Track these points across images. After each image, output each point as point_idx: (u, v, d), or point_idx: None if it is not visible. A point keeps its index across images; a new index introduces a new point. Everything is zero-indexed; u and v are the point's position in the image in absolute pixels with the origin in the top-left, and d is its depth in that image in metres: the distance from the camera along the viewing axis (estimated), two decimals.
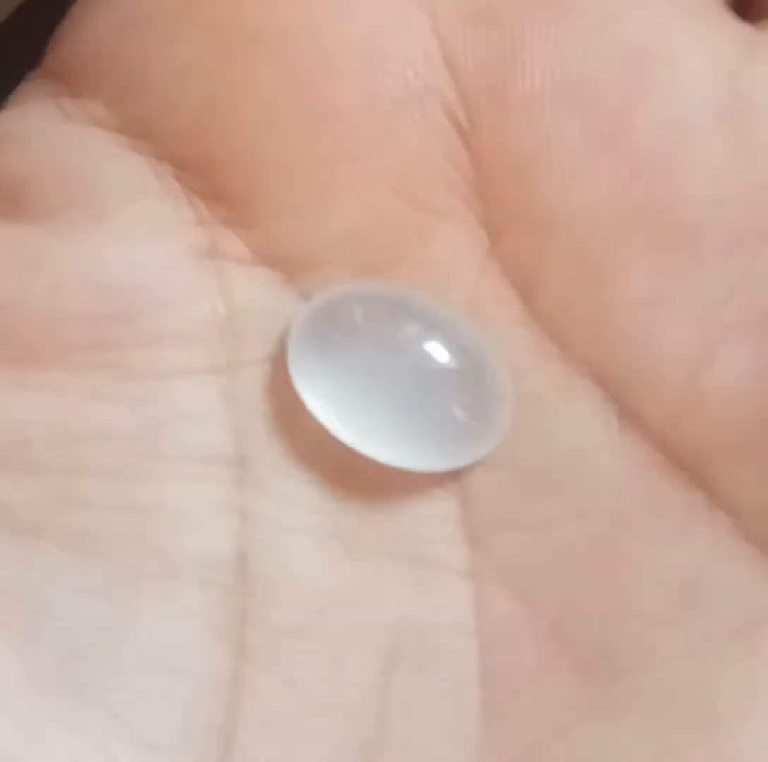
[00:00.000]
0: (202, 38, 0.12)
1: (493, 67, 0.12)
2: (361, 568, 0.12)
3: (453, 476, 0.12)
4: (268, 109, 0.12)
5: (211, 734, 0.11)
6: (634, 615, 0.11)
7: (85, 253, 0.12)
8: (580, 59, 0.12)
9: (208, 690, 0.11)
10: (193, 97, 0.12)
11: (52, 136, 0.12)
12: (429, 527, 0.12)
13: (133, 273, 0.12)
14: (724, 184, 0.12)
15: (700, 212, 0.12)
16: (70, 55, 0.13)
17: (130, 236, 0.12)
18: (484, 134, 0.12)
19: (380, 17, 0.12)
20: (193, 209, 0.12)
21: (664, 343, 0.12)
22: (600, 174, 0.12)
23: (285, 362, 0.12)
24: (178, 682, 0.11)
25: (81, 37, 0.13)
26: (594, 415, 0.12)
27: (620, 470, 0.12)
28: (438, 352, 0.12)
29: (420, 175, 0.12)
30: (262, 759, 0.11)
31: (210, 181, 0.12)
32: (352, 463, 0.12)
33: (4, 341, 0.11)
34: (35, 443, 0.11)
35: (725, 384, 0.12)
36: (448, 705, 0.11)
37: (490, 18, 0.12)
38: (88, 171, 0.12)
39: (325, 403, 0.12)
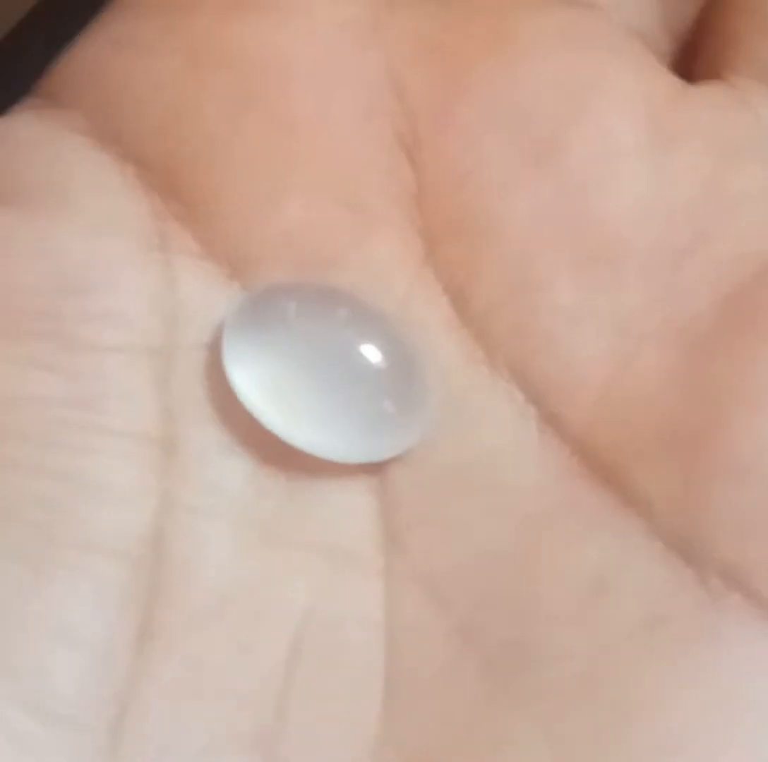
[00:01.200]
0: (175, 56, 0.13)
1: (438, 93, 0.13)
2: (275, 557, 0.11)
3: (374, 471, 0.12)
4: (227, 116, 0.12)
5: (107, 707, 0.10)
6: (543, 613, 0.11)
7: (42, 231, 0.12)
8: (518, 88, 0.13)
9: (107, 662, 0.11)
10: (160, 106, 0.13)
11: (26, 136, 0.13)
12: (347, 521, 0.12)
13: (85, 254, 0.12)
14: (645, 205, 0.12)
15: (621, 230, 0.12)
16: (58, 75, 0.13)
17: (88, 224, 0.12)
18: (427, 152, 0.12)
19: (339, 41, 0.13)
20: (150, 205, 0.12)
21: (584, 350, 0.12)
22: (530, 190, 0.12)
23: (220, 350, 0.12)
24: (80, 653, 0.11)
25: (70, 58, 0.13)
26: (514, 418, 0.12)
27: (537, 472, 0.12)
28: (367, 346, 0.12)
29: (363, 184, 0.12)
30: (154, 736, 0.11)
31: (170, 180, 0.12)
32: (278, 452, 0.12)
33: None
34: None
35: (641, 388, 0.12)
36: (350, 699, 0.11)
37: (439, 51, 0.13)
38: (56, 166, 0.13)
39: (255, 391, 0.12)
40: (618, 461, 0.12)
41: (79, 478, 0.11)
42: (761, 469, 0.11)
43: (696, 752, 0.11)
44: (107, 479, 0.11)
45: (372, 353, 0.12)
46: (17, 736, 0.10)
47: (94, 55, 0.13)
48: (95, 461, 0.11)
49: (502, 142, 0.12)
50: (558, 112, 0.12)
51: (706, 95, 0.13)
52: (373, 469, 0.12)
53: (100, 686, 0.11)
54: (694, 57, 0.13)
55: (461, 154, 0.12)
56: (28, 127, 0.13)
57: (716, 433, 0.11)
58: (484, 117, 0.12)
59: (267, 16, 0.13)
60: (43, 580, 0.11)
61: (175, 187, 0.12)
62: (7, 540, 0.11)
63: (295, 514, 0.12)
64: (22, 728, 0.10)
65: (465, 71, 0.13)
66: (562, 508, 0.11)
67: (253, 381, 0.12)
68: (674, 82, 0.13)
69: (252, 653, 0.11)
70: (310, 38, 0.13)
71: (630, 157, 0.12)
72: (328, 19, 0.13)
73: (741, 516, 0.11)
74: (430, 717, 0.11)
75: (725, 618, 0.11)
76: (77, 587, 0.11)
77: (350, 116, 0.13)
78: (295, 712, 0.11)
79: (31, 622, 0.11)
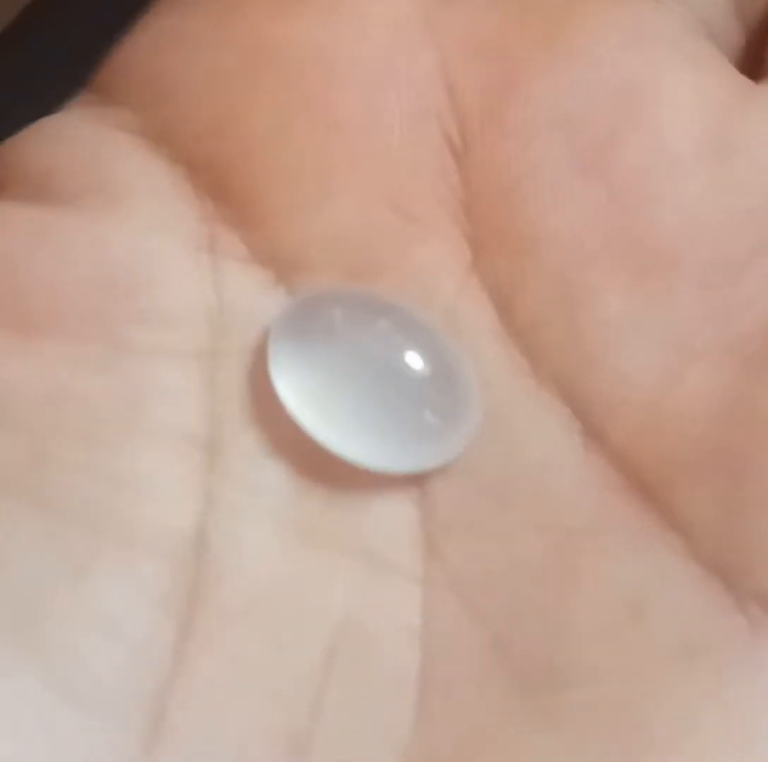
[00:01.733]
0: (223, 54, 0.13)
1: (490, 95, 0.12)
2: (314, 560, 0.11)
3: (416, 480, 0.12)
4: (277, 118, 0.12)
5: (145, 701, 0.11)
6: (576, 631, 0.11)
7: (93, 231, 0.12)
8: (572, 93, 0.12)
9: (147, 658, 0.11)
10: (210, 106, 0.13)
11: (79, 135, 0.13)
12: (387, 528, 0.12)
13: (134, 255, 0.12)
14: (701, 216, 0.12)
15: (675, 242, 0.12)
16: (109, 71, 0.13)
17: (138, 224, 0.12)
18: (476, 156, 0.12)
19: (390, 41, 0.13)
20: (199, 207, 0.12)
21: (631, 366, 0.12)
22: (581, 199, 0.12)
23: (266, 355, 0.12)
24: (120, 646, 0.11)
25: (120, 56, 0.13)
26: (559, 432, 0.12)
27: (579, 488, 0.12)
28: (412, 355, 0.12)
29: (412, 188, 0.12)
30: (191, 733, 0.11)
31: (219, 181, 0.12)
32: (320, 458, 0.12)
33: (10, 305, 0.12)
34: (18, 404, 0.11)
35: (686, 409, 0.12)
36: (383, 704, 0.11)
37: (492, 51, 0.13)
38: (108, 165, 0.13)
39: (299, 397, 0.12)
40: (661, 481, 0.11)
41: (124, 477, 0.11)
42: None
43: None
44: (151, 479, 0.11)
45: (416, 363, 0.12)
46: (50, 719, 0.10)
47: (145, 50, 0.13)
48: (140, 461, 0.12)
49: (554, 148, 0.12)
50: (612, 117, 0.12)
51: None
52: (414, 479, 0.12)
53: (138, 680, 0.11)
54: (762, 53, 0.13)
55: (511, 158, 0.12)
56: (81, 125, 0.13)
57: (758, 461, 0.11)
58: (535, 121, 0.12)
59: (319, 13, 0.13)
60: (84, 574, 0.11)
61: (223, 189, 0.13)
62: (52, 537, 0.11)
63: (335, 519, 0.12)
64: (55, 713, 0.10)
65: (518, 72, 0.12)
66: (603, 525, 0.11)
67: (297, 387, 0.12)
68: (738, 82, 0.13)
69: (289, 654, 0.11)
70: (362, 37, 0.13)
71: (685, 166, 0.12)
72: (381, 17, 0.13)
73: None
74: (461, 727, 0.11)
75: (763, 646, 0.11)
76: (119, 583, 0.11)
77: (398, 117, 0.12)
78: (328, 714, 0.11)
79: (70, 611, 0.11)
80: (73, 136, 0.13)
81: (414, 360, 0.12)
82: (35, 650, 0.11)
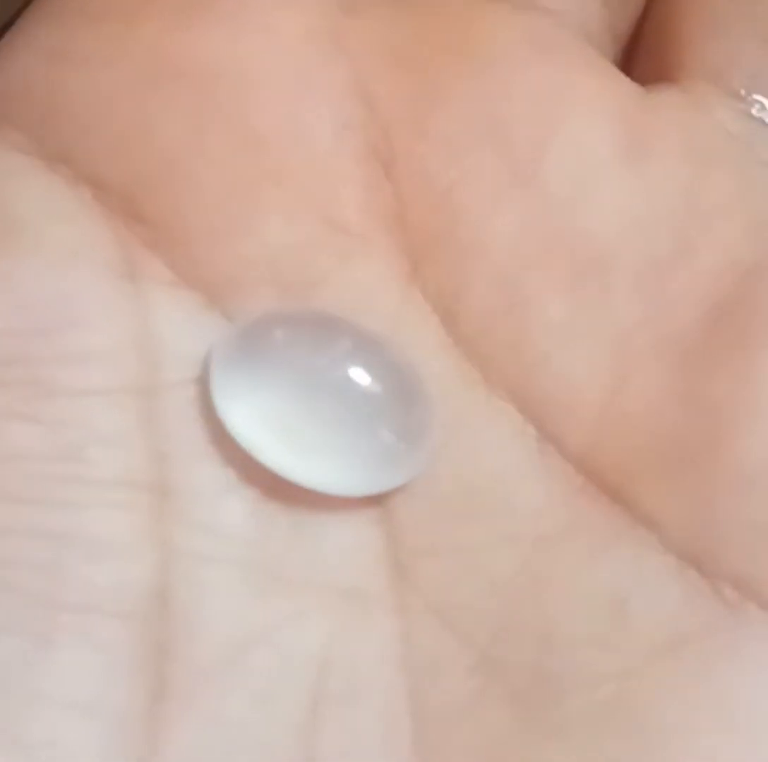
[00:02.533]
0: (122, 69, 0.12)
1: (410, 103, 0.12)
2: (286, 602, 0.11)
3: (378, 502, 0.12)
4: (191, 134, 0.12)
5: None
6: (563, 638, 0.11)
7: (4, 271, 0.11)
8: (493, 101, 0.12)
9: (124, 729, 0.10)
10: (115, 121, 0.12)
11: None
12: (354, 557, 0.11)
13: (50, 291, 0.11)
14: (628, 217, 0.12)
15: (606, 245, 0.12)
16: None
17: (49, 256, 0.12)
18: (404, 165, 0.12)
19: (302, 53, 0.12)
20: (113, 230, 0.12)
21: (578, 368, 0.12)
22: (514, 206, 0.12)
23: (207, 385, 0.11)
24: (95, 722, 0.10)
25: (2, 69, 0.12)
26: (514, 439, 0.12)
27: (542, 494, 0.12)
28: (363, 374, 0.11)
29: (342, 201, 0.12)
30: None
31: (131, 203, 0.12)
32: (277, 489, 0.11)
33: None
34: None
35: (639, 405, 0.12)
36: (380, 740, 0.11)
37: (406, 61, 0.12)
38: (5, 194, 0.12)
39: (249, 428, 0.11)
40: (623, 479, 0.12)
41: (73, 536, 0.11)
42: (763, 482, 0.12)
43: None
44: (102, 534, 0.11)
45: (368, 381, 0.12)
46: None
47: (30, 66, 0.12)
48: (87, 516, 0.11)
49: (483, 155, 0.12)
50: (534, 126, 0.12)
51: (668, 101, 0.13)
52: (376, 500, 0.12)
53: (120, 755, 0.10)
54: (635, 58, 0.14)
55: (441, 169, 0.12)
56: None
57: (717, 448, 0.12)
58: (462, 130, 0.12)
59: (221, 24, 0.12)
60: (45, 650, 0.10)
61: (137, 209, 0.12)
62: (6, 611, 0.10)
63: (301, 555, 0.11)
64: None
65: (437, 82, 0.12)
66: (571, 529, 0.12)
67: (246, 416, 0.11)
68: (635, 88, 0.13)
69: (273, 703, 0.11)
70: (271, 48, 0.12)
71: (608, 168, 0.12)
72: (290, 29, 0.12)
73: (749, 527, 0.11)
74: (463, 753, 0.11)
75: (742, 630, 0.11)
76: (83, 654, 0.10)
77: (321, 130, 0.12)
78: (325, 758, 0.11)
79: (39, 696, 0.10)
80: None
81: (365, 377, 0.12)
82: (9, 739, 0.10)
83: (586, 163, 0.12)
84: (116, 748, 0.10)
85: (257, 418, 0.11)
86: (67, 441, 0.11)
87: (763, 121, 0.13)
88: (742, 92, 0.13)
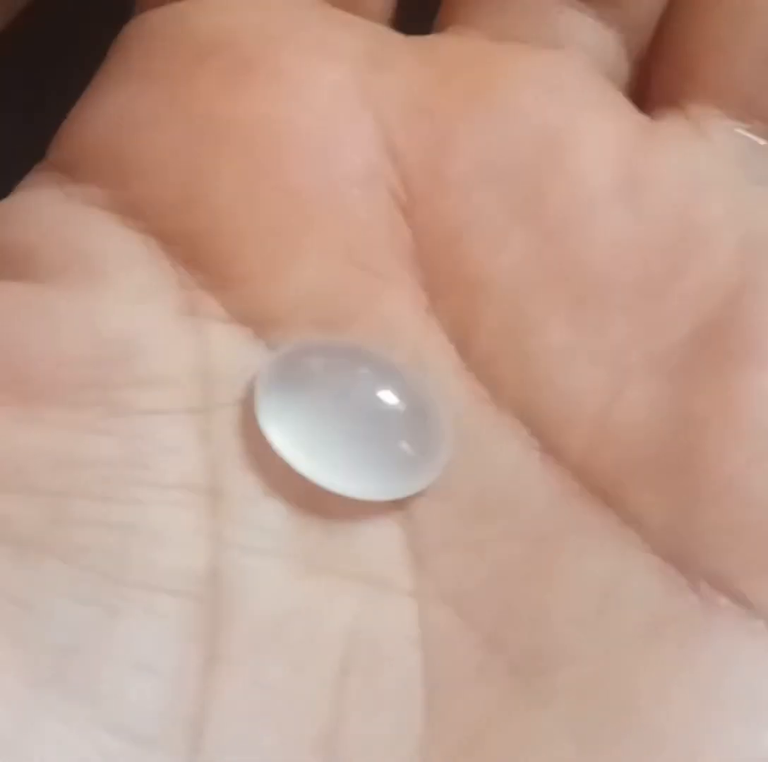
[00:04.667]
0: (183, 132, 0.14)
1: (428, 154, 0.14)
2: (319, 586, 0.13)
3: (399, 505, 0.14)
4: (240, 190, 0.14)
5: (184, 726, 0.12)
6: (557, 621, 0.13)
7: (84, 307, 0.14)
8: (500, 148, 0.14)
9: (180, 687, 0.12)
10: (175, 181, 0.14)
11: (55, 213, 0.14)
12: (378, 550, 0.13)
13: (125, 326, 0.14)
14: (622, 246, 0.14)
15: (603, 272, 0.14)
16: (70, 149, 0.15)
17: (123, 296, 0.14)
18: (421, 210, 0.14)
19: (333, 113, 0.14)
20: (176, 275, 0.14)
21: (577, 386, 0.14)
22: (517, 241, 0.14)
23: (253, 405, 0.14)
24: (155, 679, 0.12)
25: (81, 134, 0.15)
26: (520, 450, 0.14)
27: (544, 498, 0.13)
28: (387, 394, 0.14)
29: (368, 244, 0.14)
30: (230, 749, 0.12)
31: (191, 251, 0.14)
32: (313, 493, 0.14)
33: (10, 380, 0.13)
34: (36, 469, 0.13)
35: (630, 418, 0.14)
36: (396, 705, 0.13)
37: (425, 115, 0.14)
38: (87, 242, 0.14)
39: (288, 441, 0.14)
40: (614, 485, 0.14)
41: (139, 528, 0.13)
42: (736, 491, 0.13)
43: (695, 739, 0.13)
44: (163, 527, 0.13)
45: (391, 401, 0.14)
46: (107, 754, 0.12)
47: (104, 127, 0.15)
48: (151, 512, 0.13)
49: (490, 198, 0.14)
50: (537, 165, 0.14)
51: (669, 132, 0.14)
52: (398, 503, 0.14)
53: (175, 708, 0.12)
54: (648, 82, 0.15)
55: (453, 211, 0.14)
56: (53, 203, 0.15)
57: (698, 459, 0.13)
58: (471, 174, 0.14)
59: (263, 86, 0.15)
60: (116, 619, 0.13)
61: (196, 257, 0.14)
62: (83, 586, 0.13)
63: (333, 547, 0.14)
64: (111, 747, 0.12)
65: (450, 130, 0.14)
66: (568, 528, 0.14)
67: (286, 432, 0.14)
68: (640, 121, 0.15)
69: (307, 671, 0.13)
70: (304, 107, 0.14)
71: (605, 201, 0.14)
72: (321, 86, 0.14)
73: (724, 531, 0.13)
74: (466, 717, 0.13)
75: (715, 619, 0.13)
76: (147, 623, 0.13)
77: (350, 180, 0.14)
78: (349, 719, 0.13)
79: (109, 655, 0.12)
80: (48, 215, 0.15)
81: (389, 399, 0.14)
82: (83, 690, 0.12)
83: (585, 197, 0.14)
84: (172, 703, 0.13)
85: (295, 433, 0.14)
86: (135, 451, 0.13)
87: (759, 142, 0.14)
88: (741, 113, 0.14)
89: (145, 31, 0.15)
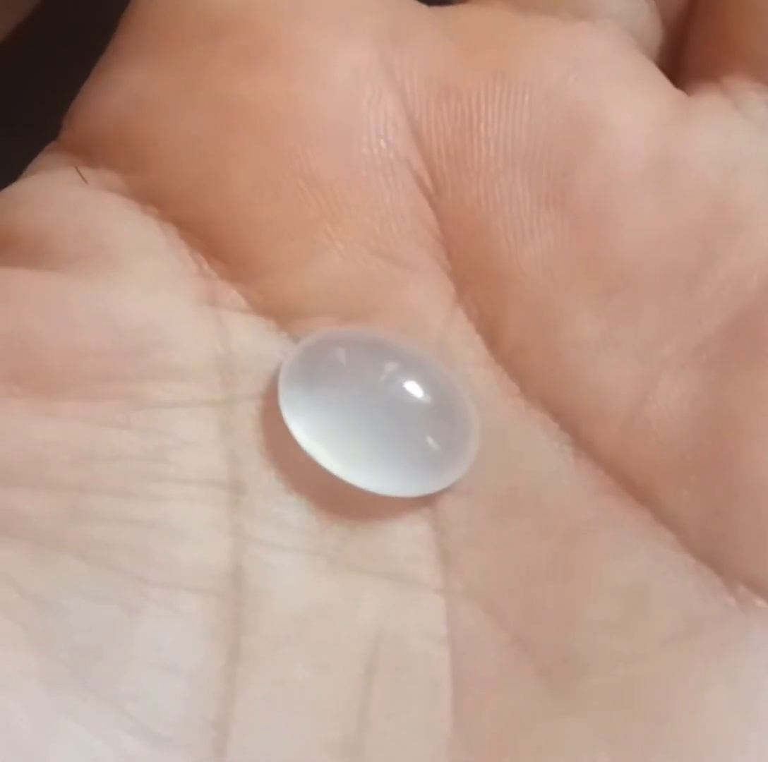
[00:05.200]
0: (200, 115, 0.14)
1: (453, 137, 0.14)
2: (344, 583, 0.13)
3: (426, 501, 0.14)
4: (259, 177, 0.14)
5: (208, 728, 0.12)
6: (588, 622, 0.13)
7: (100, 297, 0.13)
8: (527, 129, 0.14)
9: (204, 687, 0.12)
10: (192, 167, 0.14)
11: (70, 198, 0.14)
12: (404, 547, 0.13)
13: (143, 316, 0.13)
14: (654, 233, 0.14)
15: (633, 261, 0.13)
16: (84, 131, 0.14)
17: (141, 285, 0.14)
18: (447, 196, 0.14)
19: (354, 94, 0.14)
20: (195, 264, 0.14)
21: (608, 379, 0.13)
22: (546, 229, 0.14)
23: (276, 398, 0.14)
24: (177, 680, 0.12)
25: (94, 115, 0.14)
26: (550, 445, 0.13)
27: (574, 493, 0.13)
28: (413, 388, 0.13)
29: (393, 233, 0.14)
30: (254, 751, 0.12)
31: (210, 240, 0.14)
32: (337, 489, 0.13)
33: (26, 372, 0.13)
34: (53, 463, 0.13)
35: (664, 413, 0.13)
36: (423, 706, 0.13)
37: (450, 95, 0.14)
38: (103, 228, 0.14)
39: (312, 435, 0.13)
40: (648, 481, 0.13)
41: (159, 524, 0.13)
42: None
43: (732, 749, 0.12)
44: (184, 523, 0.13)
45: (416, 394, 0.14)
46: (128, 756, 0.12)
47: (118, 110, 0.14)
48: (172, 508, 0.13)
49: (517, 184, 0.14)
50: (564, 149, 0.14)
51: (705, 109, 0.14)
52: (424, 499, 0.14)
53: (199, 709, 0.12)
54: (685, 51, 0.14)
55: (479, 198, 0.14)
56: (68, 188, 0.14)
57: (733, 457, 0.13)
58: (497, 159, 0.14)
59: (282, 67, 0.14)
60: (137, 618, 0.12)
61: (215, 246, 0.14)
62: (103, 585, 0.12)
63: (357, 544, 0.13)
64: (131, 748, 0.12)
65: (476, 111, 0.14)
66: (600, 525, 0.13)
67: (310, 426, 0.14)
68: (675, 97, 0.14)
69: (332, 670, 0.13)
70: (324, 88, 0.14)
71: (636, 188, 0.14)
72: (342, 66, 0.14)
73: (759, 532, 0.13)
74: (495, 718, 0.13)
75: (752, 622, 0.13)
76: (169, 622, 0.12)
77: (373, 167, 0.14)
78: (375, 720, 0.13)
79: (130, 655, 0.12)
80: (62, 200, 0.14)
81: (415, 391, 0.14)
82: (103, 692, 0.12)
83: (616, 183, 0.14)
84: (195, 703, 0.12)
85: (319, 427, 0.13)
86: (155, 445, 0.13)
87: None
88: None
89: (155, 5, 0.15)
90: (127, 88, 0.14)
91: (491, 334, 0.14)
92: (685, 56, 0.15)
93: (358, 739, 0.12)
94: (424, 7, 0.15)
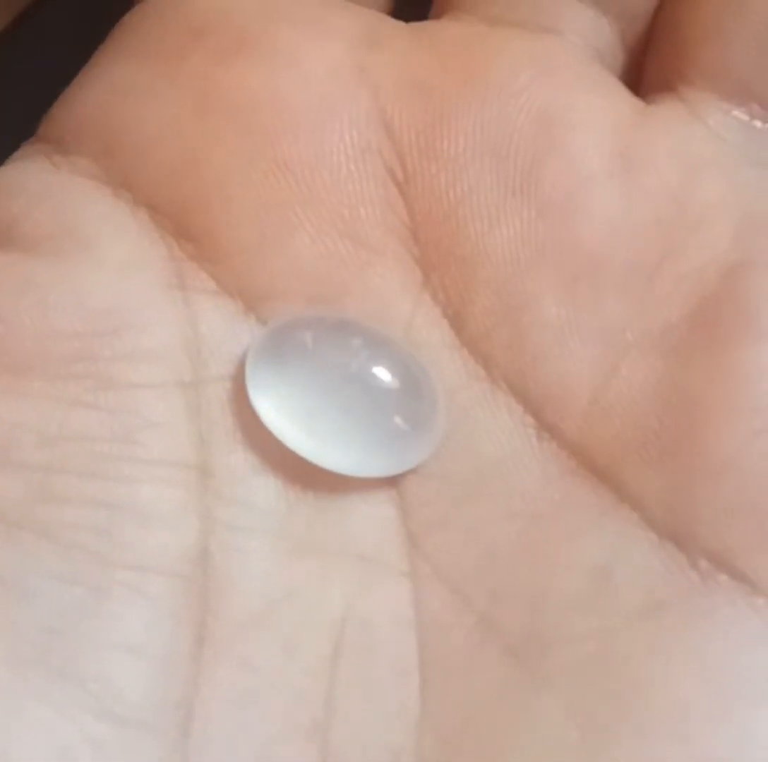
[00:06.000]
0: (176, 102, 0.14)
1: (424, 129, 0.14)
2: (310, 566, 0.13)
3: (392, 483, 0.14)
4: (231, 162, 0.14)
5: (173, 710, 0.12)
6: (553, 601, 0.13)
7: (69, 278, 0.14)
8: (496, 124, 0.14)
9: (169, 670, 0.12)
10: (167, 152, 0.14)
11: (41, 183, 0.14)
12: (371, 529, 0.13)
13: (111, 298, 0.14)
14: (617, 226, 0.14)
15: (597, 250, 0.14)
16: (60, 121, 0.15)
17: (111, 267, 0.14)
18: (416, 186, 0.14)
19: (329, 88, 0.14)
20: (165, 247, 0.14)
21: (572, 363, 0.14)
22: (513, 217, 0.14)
23: (243, 380, 0.14)
24: (143, 662, 0.12)
25: (71, 105, 0.15)
26: (514, 428, 0.14)
27: (538, 475, 0.14)
28: (380, 369, 0.14)
29: (362, 218, 0.14)
30: (220, 734, 0.12)
31: (181, 223, 0.14)
32: (304, 470, 0.13)
33: None
34: (21, 443, 0.13)
35: (626, 395, 0.14)
36: (390, 687, 0.13)
37: (422, 92, 0.14)
38: (74, 211, 0.14)
39: (280, 416, 0.14)
40: (611, 462, 0.14)
41: (126, 505, 0.13)
42: (735, 468, 0.13)
43: (698, 719, 0.13)
44: (151, 505, 0.13)
45: (383, 377, 0.14)
46: (92, 738, 0.12)
47: (96, 100, 0.15)
48: (139, 489, 0.13)
49: (485, 175, 0.14)
50: (532, 144, 0.14)
51: (664, 115, 0.15)
52: (391, 481, 0.14)
53: (164, 691, 0.12)
54: (643, 66, 0.15)
55: (447, 187, 0.14)
56: (40, 173, 0.14)
57: (695, 437, 0.13)
58: (466, 151, 0.14)
59: (259, 61, 0.15)
60: (102, 599, 0.12)
61: (186, 229, 0.14)
62: (69, 566, 0.13)
63: (325, 526, 0.13)
64: (96, 730, 0.12)
65: (446, 108, 0.14)
66: (564, 507, 0.14)
67: (277, 408, 0.14)
68: (635, 104, 0.15)
69: (298, 653, 0.13)
70: (301, 82, 0.14)
71: (600, 181, 0.14)
72: (318, 63, 0.15)
73: (721, 508, 0.13)
74: (462, 699, 0.13)
75: (715, 596, 0.13)
76: (134, 604, 0.13)
77: (345, 155, 0.14)
78: (342, 702, 0.13)
79: (95, 636, 0.12)
80: (33, 185, 0.14)
81: (381, 374, 0.14)
82: (68, 675, 0.12)
83: (579, 176, 0.14)
84: (161, 685, 0.12)
85: (286, 409, 0.14)
86: (122, 426, 0.13)
87: (756, 125, 0.14)
88: (736, 97, 0.14)
89: (142, 15, 0.15)
90: (105, 83, 0.15)
91: (457, 318, 0.14)
92: (644, 72, 0.15)
93: (325, 721, 0.13)
94: (398, 21, 0.15)
